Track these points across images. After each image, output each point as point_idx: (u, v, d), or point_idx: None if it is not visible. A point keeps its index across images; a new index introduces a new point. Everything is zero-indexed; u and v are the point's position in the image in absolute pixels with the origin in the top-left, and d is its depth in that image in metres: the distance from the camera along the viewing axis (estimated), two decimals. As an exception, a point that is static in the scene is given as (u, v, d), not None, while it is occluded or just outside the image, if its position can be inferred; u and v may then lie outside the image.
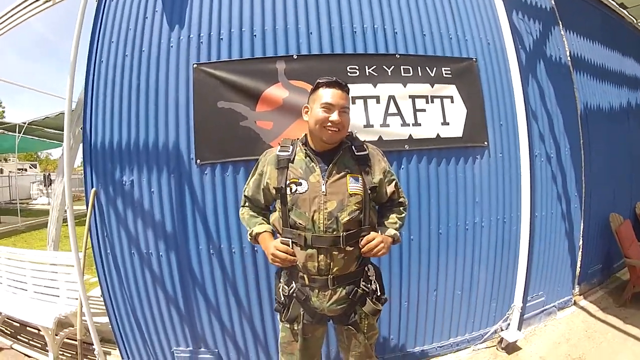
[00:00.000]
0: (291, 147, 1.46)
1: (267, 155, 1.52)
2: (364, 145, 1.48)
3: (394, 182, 1.52)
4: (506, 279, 2.54)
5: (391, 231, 1.46)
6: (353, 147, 1.45)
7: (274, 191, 1.43)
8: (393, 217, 1.51)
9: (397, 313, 2.30)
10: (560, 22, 3.04)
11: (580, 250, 3.00)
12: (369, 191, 1.40)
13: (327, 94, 1.38)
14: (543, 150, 2.71)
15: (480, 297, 2.48)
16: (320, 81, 1.41)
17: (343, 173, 1.39)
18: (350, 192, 1.37)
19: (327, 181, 1.37)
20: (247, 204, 1.58)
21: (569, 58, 3.04)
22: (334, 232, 1.35)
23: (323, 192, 1.36)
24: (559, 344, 2.52)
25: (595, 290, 3.26)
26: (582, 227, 2.99)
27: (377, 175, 1.45)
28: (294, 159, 1.43)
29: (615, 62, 3.75)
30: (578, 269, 3.01)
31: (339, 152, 1.42)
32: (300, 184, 1.38)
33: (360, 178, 1.40)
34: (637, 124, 3.99)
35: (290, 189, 1.38)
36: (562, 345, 2.50)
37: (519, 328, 2.52)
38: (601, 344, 2.48)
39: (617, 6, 3.84)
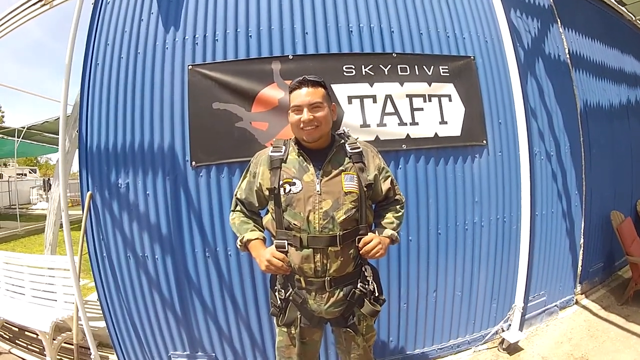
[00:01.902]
0: (284, 147, 1.44)
1: (259, 156, 1.49)
2: (357, 142, 1.45)
3: (389, 179, 1.49)
4: (507, 279, 2.51)
5: (388, 232, 1.44)
6: (346, 144, 1.43)
7: (267, 192, 1.40)
8: (390, 217, 1.48)
9: (396, 315, 2.27)
10: (558, 20, 3.02)
11: (582, 248, 2.97)
12: (365, 189, 1.37)
13: (294, 97, 1.38)
14: (543, 149, 2.68)
15: (480, 297, 2.45)
16: (290, 85, 1.41)
17: (337, 171, 1.37)
18: (346, 191, 1.35)
19: (321, 180, 1.35)
20: (238, 207, 1.53)
21: (567, 56, 3.02)
22: (330, 232, 1.32)
23: (318, 191, 1.34)
24: (561, 343, 2.49)
25: (597, 289, 3.23)
26: (583, 225, 2.96)
27: (371, 172, 1.43)
28: (286, 158, 1.41)
29: (614, 60, 3.72)
30: (579, 268, 2.98)
31: (332, 150, 1.40)
32: (294, 184, 1.35)
33: (355, 176, 1.38)
34: (637, 121, 3.96)
35: (284, 189, 1.35)
36: (564, 344, 2.47)
37: (521, 328, 2.49)
38: (604, 342, 2.45)
39: (616, 3, 3.81)
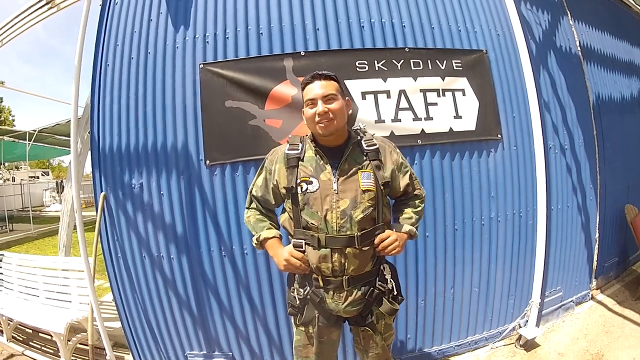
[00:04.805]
0: (300, 145, 1.42)
1: (275, 153, 1.47)
2: (373, 139, 1.43)
3: (408, 174, 1.46)
4: (523, 275, 2.49)
5: (406, 227, 1.42)
6: (362, 141, 1.41)
7: (283, 190, 1.39)
8: (408, 212, 1.46)
9: (413, 312, 2.26)
10: (568, 12, 3.00)
11: (597, 243, 2.94)
12: (382, 187, 1.35)
13: (308, 91, 1.36)
14: (557, 142, 2.65)
15: (497, 293, 2.43)
16: (302, 81, 1.40)
17: (354, 169, 1.35)
18: (363, 189, 1.33)
19: (338, 179, 1.33)
20: (253, 205, 1.51)
21: (578, 48, 2.99)
22: (348, 232, 1.31)
23: (335, 190, 1.32)
24: (577, 339, 2.47)
25: (611, 284, 3.20)
26: (597, 219, 2.93)
27: (388, 169, 1.41)
28: (303, 156, 1.39)
29: (624, 53, 3.68)
30: (595, 262, 2.95)
31: (348, 147, 1.38)
32: (311, 183, 1.34)
33: (371, 174, 1.36)
34: (649, 114, 3.91)
35: (301, 188, 1.34)
36: (580, 340, 2.45)
37: (537, 324, 2.46)
38: (618, 338, 2.43)
39: (624, -5, 3.78)
